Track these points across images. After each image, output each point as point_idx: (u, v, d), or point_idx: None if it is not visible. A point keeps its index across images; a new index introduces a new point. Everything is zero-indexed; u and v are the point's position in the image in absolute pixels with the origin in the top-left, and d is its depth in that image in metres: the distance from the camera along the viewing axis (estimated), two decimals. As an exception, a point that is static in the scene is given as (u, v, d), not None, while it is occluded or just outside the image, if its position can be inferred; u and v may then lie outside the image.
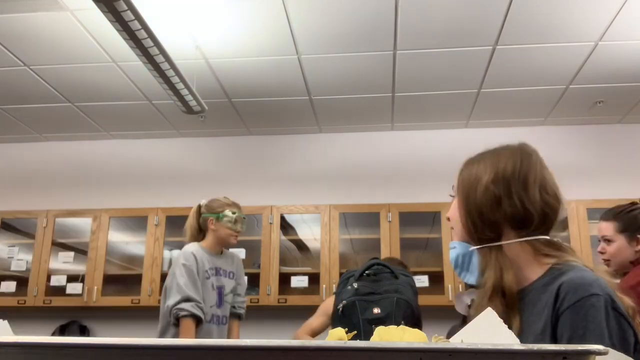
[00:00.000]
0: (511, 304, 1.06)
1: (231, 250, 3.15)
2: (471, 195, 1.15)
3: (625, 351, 0.90)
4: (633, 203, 2.45)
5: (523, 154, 1.17)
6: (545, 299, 1.03)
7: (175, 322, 2.72)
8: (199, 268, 2.81)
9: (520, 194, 1.11)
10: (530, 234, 1.11)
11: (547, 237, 1.11)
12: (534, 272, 1.09)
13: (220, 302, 2.90)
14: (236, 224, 2.95)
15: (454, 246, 1.22)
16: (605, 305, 0.97)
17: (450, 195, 1.26)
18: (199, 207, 3.01)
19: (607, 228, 2.40)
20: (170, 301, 2.73)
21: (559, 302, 1.00)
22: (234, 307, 3.05)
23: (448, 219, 1.27)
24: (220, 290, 2.92)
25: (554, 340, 0.99)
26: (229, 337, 3.02)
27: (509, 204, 1.11)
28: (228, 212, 2.94)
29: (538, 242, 1.10)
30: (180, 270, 2.77)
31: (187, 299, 2.71)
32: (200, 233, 2.99)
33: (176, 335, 2.71)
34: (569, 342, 0.97)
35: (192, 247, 2.88)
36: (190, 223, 3.00)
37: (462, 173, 1.23)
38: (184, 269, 2.77)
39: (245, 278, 4.38)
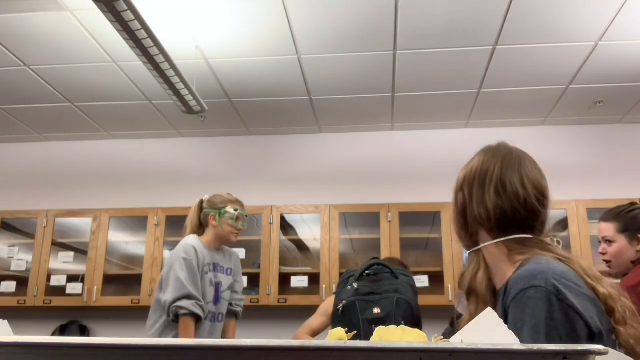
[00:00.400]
0: (484, 303, 1.08)
1: (229, 249, 3.12)
2: (453, 204, 1.20)
3: (574, 343, 0.90)
4: (632, 203, 2.45)
5: (490, 156, 1.17)
6: (499, 296, 1.06)
7: (175, 319, 2.68)
8: (199, 262, 2.76)
9: (478, 197, 1.12)
10: (502, 235, 1.11)
11: (521, 236, 1.10)
12: (509, 271, 1.08)
13: (217, 298, 2.86)
14: (237, 222, 2.91)
15: (465, 254, 1.27)
16: (547, 297, 0.94)
17: None
18: (201, 202, 2.97)
19: (608, 229, 2.40)
20: (169, 296, 2.67)
21: (505, 297, 1.01)
22: (231, 304, 3.01)
23: None
24: (217, 287, 2.87)
25: None
26: (225, 336, 2.98)
27: (471, 208, 1.13)
28: (230, 209, 2.91)
29: (512, 241, 1.10)
30: (181, 263, 2.71)
31: (188, 296, 2.66)
32: (200, 228, 2.94)
33: (176, 334, 2.70)
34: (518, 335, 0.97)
35: (192, 240, 2.83)
36: (191, 218, 2.96)
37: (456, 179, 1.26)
38: (185, 262, 2.71)
39: (245, 277, 4.41)
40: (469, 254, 1.16)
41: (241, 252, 4.48)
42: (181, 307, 2.65)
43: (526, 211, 1.10)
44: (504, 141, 1.21)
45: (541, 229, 1.13)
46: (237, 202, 2.97)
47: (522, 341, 0.94)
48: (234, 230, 2.91)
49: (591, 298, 0.97)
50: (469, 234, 1.15)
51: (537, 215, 1.11)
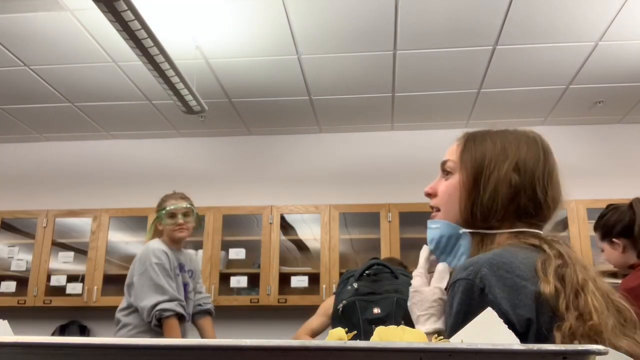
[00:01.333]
0: None
1: (188, 250, 3.12)
2: (483, 179, 1.05)
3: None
4: (608, 205, 2.42)
5: (544, 146, 1.11)
6: None
7: (157, 323, 2.65)
8: (171, 265, 2.76)
9: (545, 187, 1.06)
10: (530, 226, 1.05)
11: (535, 230, 1.06)
12: None
13: (185, 299, 2.86)
14: (174, 217, 2.85)
15: (436, 226, 1.11)
16: (471, 290, 0.91)
17: (445, 171, 1.14)
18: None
19: (597, 238, 2.40)
20: (150, 301, 2.65)
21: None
22: (200, 304, 3.02)
23: (430, 195, 1.15)
24: (185, 288, 2.88)
25: None
26: (205, 335, 2.99)
27: (528, 197, 1.04)
28: (163, 209, 2.88)
29: (526, 232, 1.04)
30: (154, 268, 2.69)
31: (170, 299, 2.66)
32: (160, 233, 2.95)
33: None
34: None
35: (159, 245, 2.82)
36: (149, 226, 3.02)
37: (469, 148, 1.10)
38: (158, 267, 2.70)
39: (245, 277, 4.41)
40: (471, 234, 1.06)
41: (241, 252, 4.49)
42: (165, 310, 2.64)
43: (558, 209, 1.08)
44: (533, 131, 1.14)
45: (546, 221, 1.08)
46: (172, 198, 2.92)
47: (447, 332, 0.93)
48: (175, 227, 2.85)
49: (533, 293, 0.91)
50: (495, 217, 1.05)
51: (549, 206, 1.08)
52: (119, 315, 2.83)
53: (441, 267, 1.08)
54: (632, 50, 3.64)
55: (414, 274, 1.10)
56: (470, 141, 1.11)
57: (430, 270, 1.11)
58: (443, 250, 1.09)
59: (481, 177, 1.05)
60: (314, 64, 3.83)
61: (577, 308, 0.89)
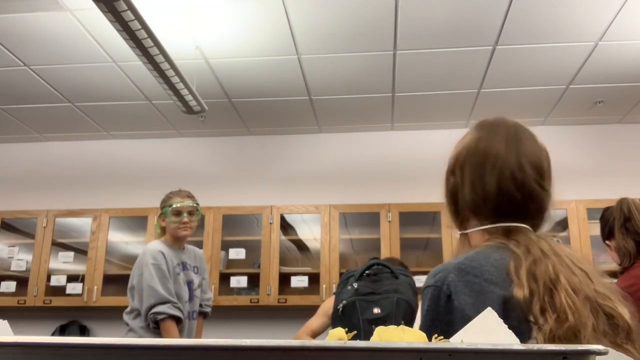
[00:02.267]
0: None
1: (192, 247, 3.11)
2: (444, 187, 1.13)
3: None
4: (606, 208, 2.44)
5: (474, 140, 1.08)
6: None
7: (155, 325, 2.67)
8: (168, 265, 2.76)
9: (472, 182, 1.04)
10: (493, 222, 1.02)
11: (511, 225, 1.01)
12: None
13: (191, 297, 2.86)
14: (180, 215, 2.86)
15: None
16: (437, 297, 0.91)
17: None
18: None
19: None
20: (144, 303, 2.67)
21: None
22: (201, 305, 3.02)
23: None
24: (190, 285, 2.88)
25: None
26: (192, 335, 2.99)
27: (463, 193, 1.05)
28: (169, 205, 2.89)
29: (496, 229, 1.01)
30: (150, 270, 2.70)
31: (163, 301, 2.66)
32: (163, 231, 2.95)
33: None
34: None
35: (156, 245, 2.82)
36: (155, 223, 3.01)
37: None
38: (154, 268, 2.70)
39: (245, 277, 4.41)
40: (460, 235, 1.08)
41: (241, 252, 4.49)
42: (158, 313, 2.64)
43: (523, 195, 1.01)
44: (501, 116, 1.13)
45: (538, 215, 1.04)
46: (178, 195, 2.92)
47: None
48: (179, 224, 2.86)
49: (501, 297, 0.89)
50: (454, 216, 1.08)
51: (534, 199, 1.03)
52: (126, 317, 2.83)
53: None
54: (632, 50, 3.64)
55: None
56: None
57: None
58: None
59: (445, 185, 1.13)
60: (314, 64, 3.83)
61: (554, 309, 0.87)
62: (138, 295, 2.74)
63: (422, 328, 0.92)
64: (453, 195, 1.08)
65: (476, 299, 0.89)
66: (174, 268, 2.79)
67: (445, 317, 0.88)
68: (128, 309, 2.83)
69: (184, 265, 2.88)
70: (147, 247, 2.85)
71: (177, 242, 2.91)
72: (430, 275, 0.96)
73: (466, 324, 0.82)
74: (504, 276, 0.91)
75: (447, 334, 0.81)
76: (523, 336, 0.86)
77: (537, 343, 0.85)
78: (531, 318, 0.87)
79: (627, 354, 0.86)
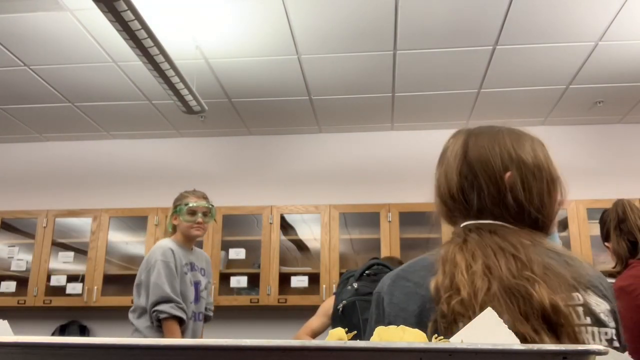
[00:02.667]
0: None
1: (201, 250, 3.13)
2: (445, 186, 1.18)
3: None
4: (605, 210, 2.46)
5: (456, 136, 1.20)
6: None
7: (158, 323, 2.67)
8: (177, 264, 2.75)
9: (443, 182, 1.13)
10: (465, 220, 1.08)
11: (481, 222, 1.03)
12: None
13: (197, 298, 2.86)
14: (194, 215, 2.87)
15: None
16: (376, 303, 0.99)
17: None
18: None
19: None
20: (148, 301, 2.67)
21: None
22: (205, 308, 3.01)
23: None
24: (196, 286, 2.87)
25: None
26: (199, 336, 2.98)
27: (440, 200, 1.15)
28: (184, 204, 2.89)
29: (466, 226, 1.05)
30: (158, 267, 2.69)
31: (166, 300, 2.65)
32: (174, 230, 2.95)
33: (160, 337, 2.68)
34: None
35: (167, 243, 2.82)
36: (166, 219, 3.02)
37: None
38: (162, 265, 2.70)
39: (245, 277, 4.41)
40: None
41: (241, 252, 4.49)
42: (161, 312, 2.64)
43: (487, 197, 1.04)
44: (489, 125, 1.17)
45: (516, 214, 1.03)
46: (194, 195, 2.94)
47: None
48: (193, 224, 2.87)
49: (421, 297, 0.93)
50: (444, 218, 1.14)
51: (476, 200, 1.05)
52: (131, 317, 2.82)
53: None
54: (632, 50, 3.64)
55: None
56: None
57: None
58: None
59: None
60: (314, 64, 3.83)
61: (448, 289, 0.89)
62: (145, 292, 2.73)
63: (368, 329, 0.97)
64: (436, 195, 1.18)
65: (404, 300, 0.96)
66: (182, 267, 2.78)
67: (381, 322, 0.95)
68: (132, 307, 2.82)
69: (192, 266, 2.87)
70: (157, 244, 2.86)
71: (187, 242, 2.91)
72: (379, 282, 1.05)
73: (400, 318, 0.90)
74: (430, 275, 0.95)
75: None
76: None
77: (429, 328, 0.87)
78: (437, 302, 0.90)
79: (529, 330, 0.84)
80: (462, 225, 1.06)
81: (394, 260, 3.15)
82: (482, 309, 0.80)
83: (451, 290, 0.89)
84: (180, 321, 2.70)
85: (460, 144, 1.15)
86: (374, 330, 0.87)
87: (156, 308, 2.64)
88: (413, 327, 0.80)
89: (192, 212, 2.87)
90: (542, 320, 0.86)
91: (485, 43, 3.58)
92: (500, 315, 0.79)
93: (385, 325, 0.77)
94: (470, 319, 0.80)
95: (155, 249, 2.80)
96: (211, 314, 3.09)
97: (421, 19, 3.31)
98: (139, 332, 2.73)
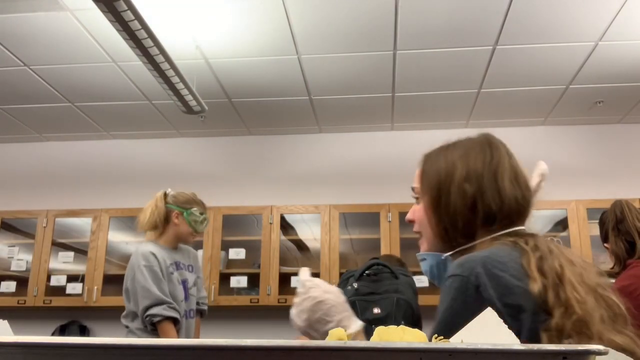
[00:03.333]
0: None
1: (186, 246, 3.04)
2: (443, 197, 1.07)
3: None
4: (605, 211, 2.48)
5: (492, 146, 1.10)
6: None
7: (152, 327, 2.65)
8: (161, 266, 2.72)
9: (493, 191, 1.04)
10: (503, 229, 1.04)
11: (518, 228, 1.05)
12: None
13: (186, 296, 2.83)
14: (199, 225, 2.86)
15: (423, 258, 1.14)
16: (465, 286, 0.91)
17: (414, 197, 1.17)
18: (165, 194, 2.87)
19: None
20: (140, 306, 2.65)
21: None
22: (198, 303, 2.99)
23: (412, 221, 1.18)
24: (184, 284, 2.84)
25: None
26: (192, 334, 2.97)
27: (485, 202, 1.04)
28: (196, 211, 2.86)
29: (506, 234, 1.04)
30: (142, 271, 2.66)
31: (157, 302, 2.64)
32: (164, 222, 2.84)
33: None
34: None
35: (147, 247, 2.77)
36: (156, 207, 2.81)
37: (426, 171, 1.15)
38: (146, 269, 2.67)
39: (245, 277, 4.41)
40: (453, 256, 1.06)
41: (241, 252, 4.49)
42: (154, 315, 2.62)
43: (527, 204, 1.06)
44: (485, 133, 1.16)
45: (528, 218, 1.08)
46: (202, 205, 2.92)
47: (436, 328, 0.93)
48: (194, 232, 2.86)
49: (524, 292, 0.91)
50: (461, 233, 1.06)
51: (529, 207, 1.08)
52: (123, 321, 2.80)
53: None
54: (632, 50, 3.64)
55: (309, 285, 1.13)
56: (426, 163, 1.16)
57: None
58: (437, 277, 1.11)
59: (441, 195, 1.08)
60: (314, 64, 3.83)
61: (561, 303, 0.89)
62: (133, 298, 2.71)
63: (444, 316, 0.92)
64: (434, 216, 1.08)
65: (502, 293, 0.91)
66: (167, 268, 2.75)
67: (473, 306, 0.88)
68: (124, 312, 2.79)
69: (177, 265, 2.84)
70: (137, 249, 2.79)
71: (175, 242, 2.88)
72: (455, 265, 0.97)
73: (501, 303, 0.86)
74: (522, 272, 0.93)
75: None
76: (537, 332, 0.88)
77: (543, 339, 0.86)
78: (543, 312, 0.89)
79: (628, 340, 0.88)
80: (501, 232, 1.04)
81: (392, 258, 3.15)
82: (598, 325, 0.86)
83: (563, 306, 0.88)
84: (175, 321, 2.69)
85: (488, 146, 1.12)
86: (451, 315, 0.88)
87: (149, 312, 2.62)
88: (512, 317, 0.85)
89: (201, 222, 2.87)
90: (624, 324, 0.91)
91: (485, 43, 3.58)
92: (610, 331, 0.85)
93: (481, 311, 0.78)
94: (590, 338, 0.84)
95: (137, 255, 2.74)
96: (205, 307, 3.05)
97: (421, 19, 3.31)
98: (132, 334, 2.72)
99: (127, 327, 2.77)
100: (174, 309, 2.68)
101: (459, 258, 0.99)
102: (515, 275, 0.92)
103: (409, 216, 1.18)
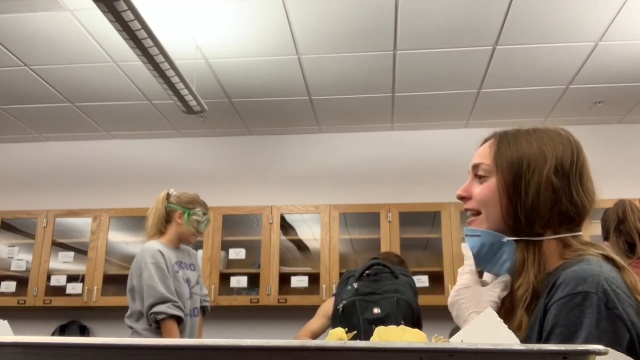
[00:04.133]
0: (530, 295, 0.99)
1: (185, 246, 3.05)
2: (524, 183, 1.02)
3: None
4: (607, 210, 2.49)
5: (577, 145, 1.09)
6: (543, 292, 0.97)
7: (156, 325, 2.66)
8: (167, 264, 2.73)
9: (578, 189, 1.03)
10: (568, 230, 1.02)
11: (579, 234, 1.04)
12: (554, 266, 1.01)
13: (190, 294, 2.84)
14: (201, 225, 2.88)
15: (476, 234, 1.06)
16: (597, 304, 0.88)
17: (477, 174, 1.09)
18: (167, 195, 2.89)
19: None
20: (145, 303, 2.65)
21: (551, 294, 0.94)
22: (200, 300, 2.99)
23: (464, 198, 1.10)
24: (188, 283, 2.85)
25: (540, 335, 0.93)
26: (197, 332, 2.97)
27: (568, 199, 1.02)
28: (198, 212, 2.87)
29: (573, 237, 1.02)
30: (149, 269, 2.67)
31: (163, 300, 2.64)
32: (165, 223, 2.87)
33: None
34: (548, 337, 0.90)
35: (154, 245, 2.78)
36: (157, 210, 2.85)
37: (504, 151, 1.06)
38: (153, 267, 2.68)
39: (245, 277, 4.42)
40: (516, 242, 1.03)
41: (241, 252, 4.49)
42: (158, 312, 2.62)
43: (592, 209, 1.06)
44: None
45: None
46: (204, 205, 2.93)
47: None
48: (196, 233, 2.88)
49: (636, 309, 0.90)
50: (540, 223, 1.02)
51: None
52: (127, 322, 2.79)
53: (506, 278, 1.04)
54: (632, 50, 3.64)
55: (461, 270, 1.07)
56: (503, 143, 1.07)
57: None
58: (484, 257, 1.06)
59: (521, 181, 1.02)
60: (314, 64, 3.83)
61: None
62: (139, 296, 2.72)
63: (587, 332, 0.89)
64: (510, 200, 1.03)
65: (628, 310, 0.89)
66: (172, 267, 2.77)
67: (606, 324, 0.87)
68: (128, 313, 2.79)
69: (180, 264, 2.86)
70: (144, 246, 2.80)
71: (177, 242, 2.89)
72: (577, 279, 0.93)
73: (625, 335, 0.86)
74: (628, 289, 0.93)
75: (614, 342, 0.84)
76: None
77: None
78: None
79: None
80: (551, 235, 1.02)
81: (391, 255, 3.14)
82: None
83: None
84: (179, 320, 2.69)
85: (572, 142, 1.11)
86: (593, 335, 0.86)
87: (153, 310, 2.63)
88: (623, 339, 0.84)
89: (204, 223, 2.89)
90: None
91: (485, 43, 3.58)
92: None
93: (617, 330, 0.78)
94: None
95: (143, 252, 2.75)
96: (208, 304, 3.06)
97: (421, 19, 3.31)
98: (137, 334, 2.72)
99: (131, 327, 2.77)
100: (179, 307, 2.68)
101: (573, 270, 0.95)
102: (626, 292, 0.92)
103: (461, 192, 1.10)
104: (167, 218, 2.87)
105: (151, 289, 2.65)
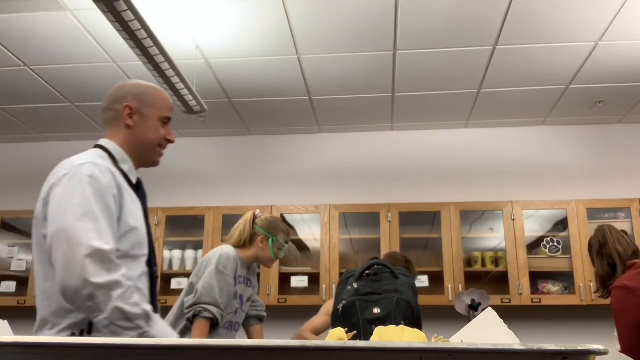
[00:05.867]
0: None
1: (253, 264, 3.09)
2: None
3: None
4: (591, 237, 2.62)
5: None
6: None
7: (191, 318, 2.64)
8: (234, 274, 2.74)
9: None
10: None
11: None
12: None
13: (237, 310, 2.85)
14: (281, 253, 2.91)
15: None
16: None
17: None
18: (254, 216, 2.92)
19: None
20: (197, 298, 2.65)
21: None
22: (255, 309, 3.02)
23: None
24: (241, 299, 2.87)
25: None
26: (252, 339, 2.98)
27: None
28: (281, 240, 2.89)
29: None
30: (219, 275, 2.67)
31: (215, 303, 2.63)
32: (249, 242, 2.89)
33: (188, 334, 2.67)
34: None
35: (231, 252, 2.78)
36: (244, 229, 2.89)
37: None
38: (221, 275, 2.68)
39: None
40: None
41: (241, 252, 4.48)
42: (206, 309, 2.61)
43: None
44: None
45: None
46: (287, 233, 2.95)
47: None
48: (274, 259, 2.90)
49: None
50: None
51: None
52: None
53: None
54: (632, 50, 3.64)
55: None
56: None
57: None
58: None
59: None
60: (314, 64, 3.83)
61: None
62: (193, 290, 2.70)
63: None
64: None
65: None
66: (236, 279, 2.77)
67: None
68: (178, 306, 2.79)
69: (243, 280, 2.87)
70: (222, 250, 2.78)
71: (250, 261, 2.89)
72: None
73: None
74: None
75: None
76: None
77: None
78: None
79: None
80: None
81: (397, 255, 3.14)
82: None
83: None
84: (214, 326, 2.68)
85: None
86: None
87: (203, 305, 2.61)
88: None
89: (284, 250, 2.91)
90: None
91: (485, 43, 3.58)
92: None
93: None
94: None
95: (218, 255, 2.74)
96: (262, 312, 3.08)
97: (421, 19, 3.31)
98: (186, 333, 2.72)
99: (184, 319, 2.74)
100: (222, 316, 2.68)
101: None
102: None
103: None
104: (251, 239, 2.88)
105: (212, 290, 2.64)
